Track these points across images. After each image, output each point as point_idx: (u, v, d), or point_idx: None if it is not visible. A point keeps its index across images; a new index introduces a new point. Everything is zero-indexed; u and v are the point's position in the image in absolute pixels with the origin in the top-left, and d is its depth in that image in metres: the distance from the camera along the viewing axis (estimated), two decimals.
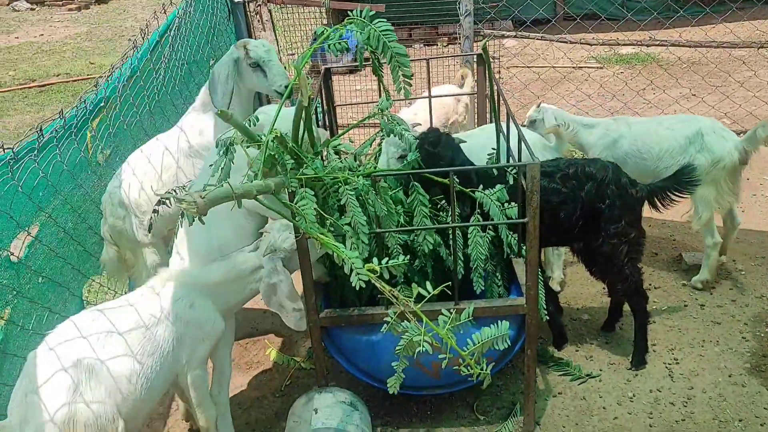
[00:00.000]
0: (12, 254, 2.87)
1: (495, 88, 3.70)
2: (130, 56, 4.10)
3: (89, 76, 11.39)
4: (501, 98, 3.67)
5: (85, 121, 3.50)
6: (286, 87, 3.44)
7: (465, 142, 3.44)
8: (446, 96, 5.78)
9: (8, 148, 2.62)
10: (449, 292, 2.91)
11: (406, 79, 2.97)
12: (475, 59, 5.16)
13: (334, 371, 3.75)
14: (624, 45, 7.11)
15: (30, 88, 11.07)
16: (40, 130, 2.90)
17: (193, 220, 2.36)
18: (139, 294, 2.94)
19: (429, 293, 2.49)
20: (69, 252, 3.43)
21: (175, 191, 2.54)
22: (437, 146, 3.23)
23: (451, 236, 3.13)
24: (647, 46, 6.82)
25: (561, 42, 6.74)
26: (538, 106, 4.74)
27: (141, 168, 3.70)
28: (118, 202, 3.63)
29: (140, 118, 4.22)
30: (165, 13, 4.88)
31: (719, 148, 4.11)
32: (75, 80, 11.23)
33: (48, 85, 11.13)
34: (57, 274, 3.26)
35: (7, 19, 16.61)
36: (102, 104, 3.73)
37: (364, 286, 2.44)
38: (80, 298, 3.50)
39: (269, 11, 6.78)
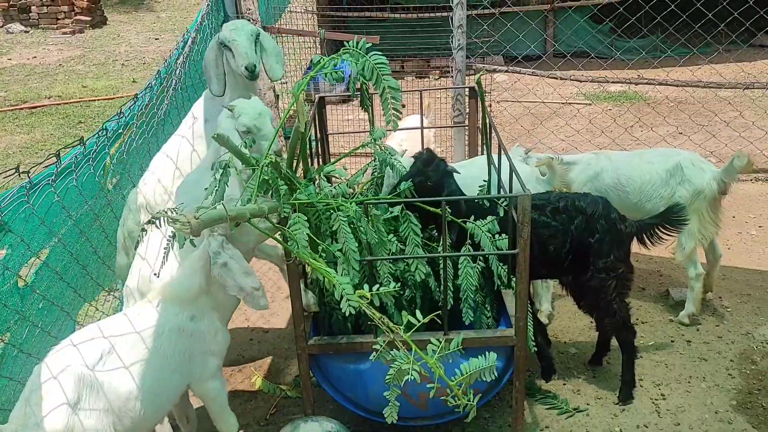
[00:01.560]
0: (21, 279, 2.86)
1: (487, 120, 3.74)
2: (153, 84, 4.12)
3: (81, 99, 11.41)
4: (493, 130, 3.71)
5: (103, 148, 3.51)
6: (247, 68, 3.42)
7: (459, 173, 3.47)
8: (433, 127, 5.83)
9: (23, 172, 2.60)
10: (439, 321, 2.92)
11: (395, 112, 3.02)
12: (467, 92, 5.23)
13: (320, 400, 3.71)
14: (613, 82, 7.26)
15: (21, 109, 11.06)
16: (58, 155, 2.89)
17: (185, 241, 2.37)
18: (138, 309, 2.92)
19: (419, 321, 2.50)
20: (72, 275, 3.42)
21: (167, 211, 2.54)
22: (428, 166, 3.26)
23: (441, 266, 3.14)
24: (635, 84, 6.97)
25: (551, 78, 6.86)
26: (527, 152, 4.74)
27: (157, 163, 3.67)
28: (137, 205, 3.59)
29: (147, 143, 4.22)
30: (158, 39, 4.94)
31: (699, 180, 4.20)
32: (66, 103, 11.23)
33: (39, 107, 11.13)
34: (59, 298, 3.25)
35: (0, 41, 16.65)
36: (121, 131, 3.73)
37: (354, 312, 2.44)
38: (74, 321, 3.48)
39: None
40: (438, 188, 3.28)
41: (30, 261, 3.00)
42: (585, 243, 3.46)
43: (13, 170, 2.48)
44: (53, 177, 2.89)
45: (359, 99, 3.21)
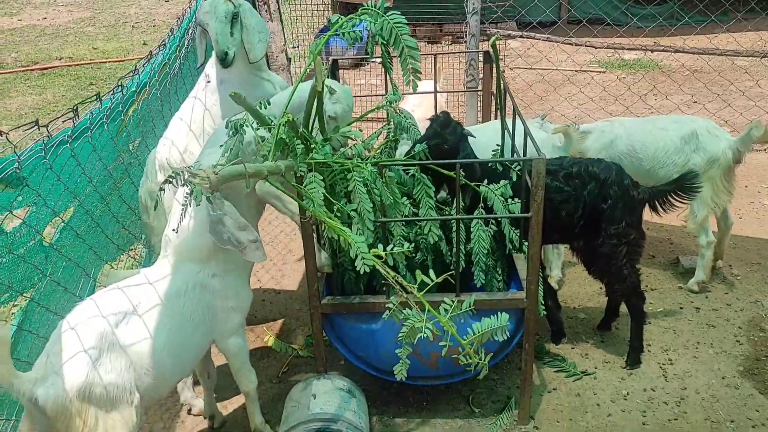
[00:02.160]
0: (42, 236, 2.90)
1: (502, 84, 3.72)
2: (166, 42, 4.10)
3: (92, 61, 11.37)
4: (507, 94, 3.69)
5: (117, 106, 3.49)
6: (218, 55, 3.33)
7: (474, 137, 3.47)
8: (448, 92, 5.80)
9: (43, 126, 2.59)
10: (452, 281, 2.95)
11: (415, 72, 3.00)
12: (481, 57, 5.20)
13: (331, 359, 3.77)
14: (628, 50, 7.16)
15: (32, 70, 11.05)
16: (76, 111, 2.88)
17: (201, 198, 2.39)
18: (160, 268, 2.93)
19: (432, 281, 2.53)
20: (93, 238, 3.45)
21: (186, 169, 2.55)
22: (446, 128, 3.26)
23: (454, 228, 3.16)
24: (651, 51, 6.88)
25: (566, 44, 6.77)
26: (543, 118, 4.74)
27: (171, 126, 3.67)
28: (158, 164, 3.58)
29: (161, 105, 4.21)
30: (168, 2, 4.89)
31: (714, 148, 4.18)
32: (77, 64, 11.21)
33: (50, 68, 11.11)
34: (80, 259, 3.29)
35: (10, 2, 16.56)
36: (137, 90, 3.72)
37: (367, 271, 2.46)
38: (95, 281, 3.53)
39: (277, 1, 6.79)
40: (454, 151, 3.29)
41: (53, 220, 3.03)
42: (597, 209, 3.47)
43: (33, 123, 2.49)
44: (70, 134, 2.90)
45: (381, 59, 3.18)
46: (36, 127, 2.48)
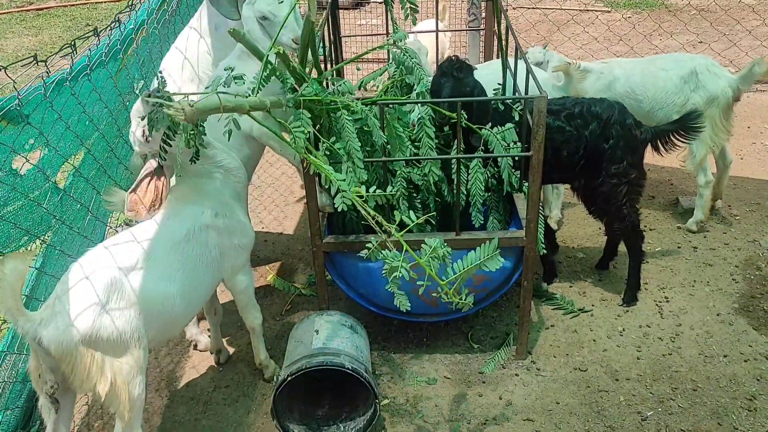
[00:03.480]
0: (56, 184, 2.91)
1: (504, 23, 3.67)
2: None
3: (87, 1, 11.15)
4: (510, 33, 3.64)
5: (115, 44, 3.44)
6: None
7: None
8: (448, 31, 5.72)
9: (41, 61, 2.55)
10: (433, 218, 2.92)
11: (413, 6, 2.96)
12: None
13: (333, 297, 3.84)
14: None
15: (27, 11, 10.85)
16: (73, 46, 2.84)
17: (189, 139, 2.40)
18: (165, 213, 2.91)
19: (412, 221, 2.52)
20: (102, 182, 3.46)
21: (162, 101, 2.54)
22: (462, 72, 3.22)
23: (455, 168, 3.17)
24: None
25: None
26: (545, 47, 4.70)
27: (168, 60, 3.63)
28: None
29: (164, 50, 4.14)
30: None
31: (714, 87, 4.15)
32: (73, 5, 11.00)
33: (46, 8, 10.91)
34: (90, 203, 3.31)
35: None
36: (135, 28, 3.65)
37: (345, 208, 2.48)
38: (106, 226, 3.56)
39: None
40: (472, 94, 3.25)
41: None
42: (599, 148, 3.47)
43: (32, 58, 2.47)
44: (70, 72, 2.88)
45: None
46: (35, 62, 2.45)
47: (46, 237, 2.92)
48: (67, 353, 2.40)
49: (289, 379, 2.92)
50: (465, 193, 3.31)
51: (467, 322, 3.74)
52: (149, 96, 2.52)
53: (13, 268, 2.21)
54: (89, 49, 3.13)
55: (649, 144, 3.62)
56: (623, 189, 3.53)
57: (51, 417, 2.57)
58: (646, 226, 4.48)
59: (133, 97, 3.79)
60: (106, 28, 3.36)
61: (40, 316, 2.41)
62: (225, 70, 2.76)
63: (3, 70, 2.29)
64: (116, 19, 3.39)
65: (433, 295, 2.57)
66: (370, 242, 2.60)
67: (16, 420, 3.03)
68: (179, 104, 2.35)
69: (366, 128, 3.04)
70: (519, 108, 3.34)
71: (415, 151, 3.29)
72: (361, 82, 3.52)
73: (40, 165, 2.81)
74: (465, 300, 2.50)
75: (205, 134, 2.74)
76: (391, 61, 3.48)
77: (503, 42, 3.72)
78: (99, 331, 2.44)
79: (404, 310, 2.58)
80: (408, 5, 2.76)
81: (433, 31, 4.93)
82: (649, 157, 3.69)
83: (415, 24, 2.87)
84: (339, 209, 2.47)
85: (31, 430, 3.11)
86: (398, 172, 3.26)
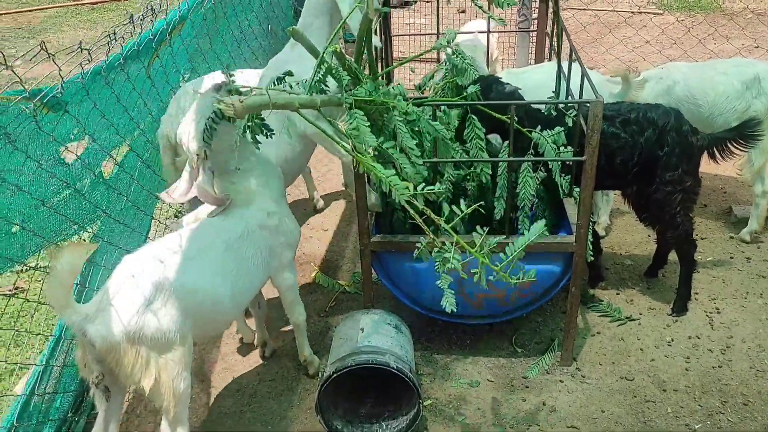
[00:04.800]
0: (94, 175, 2.99)
1: (560, 24, 3.63)
2: None
3: None
4: (565, 35, 3.61)
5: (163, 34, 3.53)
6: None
7: (519, 89, 3.40)
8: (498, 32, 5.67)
9: (86, 48, 2.64)
10: (481, 212, 2.90)
11: None
12: None
13: (377, 296, 3.85)
14: None
15: (83, 5, 11.14)
16: (114, 35, 2.92)
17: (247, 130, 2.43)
18: (219, 216, 2.94)
19: (461, 213, 2.51)
20: (145, 177, 3.54)
21: (213, 95, 2.60)
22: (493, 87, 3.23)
23: (505, 171, 3.16)
24: None
25: None
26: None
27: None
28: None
29: (212, 44, 4.21)
30: None
31: None
32: None
33: (100, 3, 11.19)
34: (136, 196, 3.39)
35: None
36: (178, 19, 3.74)
37: (403, 204, 2.47)
38: (151, 218, 3.63)
39: None
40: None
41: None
42: (654, 155, 3.41)
43: (77, 47, 2.54)
44: (107, 64, 2.95)
45: None
46: (80, 50, 2.53)
47: (93, 228, 2.99)
48: (111, 349, 2.44)
49: (334, 375, 2.94)
50: (511, 197, 3.28)
51: (511, 325, 3.72)
52: (218, 90, 2.58)
53: (68, 261, 2.26)
54: (122, 38, 3.19)
55: (706, 151, 3.54)
56: (678, 197, 3.46)
57: (102, 404, 2.62)
58: (698, 235, 4.38)
59: (169, 90, 3.83)
60: (139, 14, 3.42)
61: (87, 310, 2.44)
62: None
63: (51, 59, 2.37)
64: (150, 8, 3.45)
65: (490, 279, 2.52)
66: (419, 242, 2.60)
67: (68, 404, 3.13)
68: (229, 99, 2.39)
69: (415, 129, 3.04)
70: (573, 114, 3.30)
71: (462, 153, 3.28)
72: (419, 86, 3.52)
73: (84, 156, 2.88)
74: (523, 279, 2.48)
75: (264, 129, 2.76)
76: (443, 62, 3.48)
77: (558, 44, 3.68)
78: (143, 328, 2.47)
79: (450, 311, 2.56)
80: None
81: (483, 32, 4.91)
82: (703, 164, 3.60)
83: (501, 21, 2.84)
84: (398, 202, 2.46)
85: (83, 415, 3.21)
86: (446, 175, 3.25)
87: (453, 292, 2.58)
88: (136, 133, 3.44)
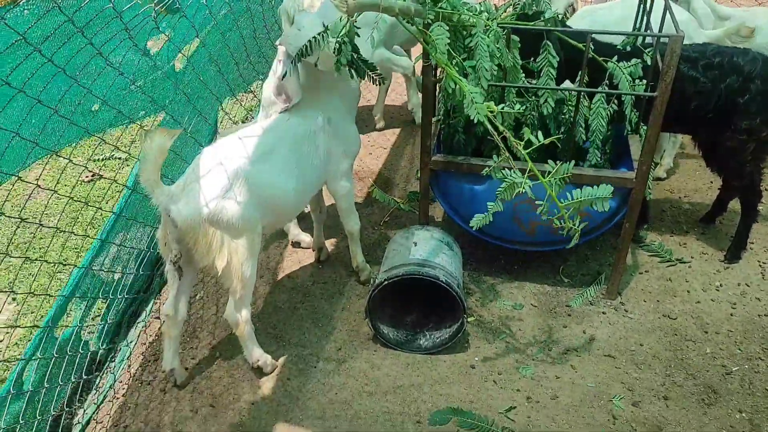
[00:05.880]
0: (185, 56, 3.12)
1: None
2: None
3: None
4: None
5: None
6: None
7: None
8: None
9: None
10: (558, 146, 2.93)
11: None
12: None
13: (431, 218, 3.95)
14: None
15: None
16: None
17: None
18: (286, 115, 3.09)
19: (539, 141, 2.55)
20: (222, 66, 3.67)
21: None
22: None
23: (575, 101, 3.15)
24: None
25: None
26: None
27: None
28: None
29: None
30: None
31: None
32: None
33: None
34: (210, 84, 3.54)
35: None
36: None
37: (481, 120, 2.51)
38: (221, 107, 3.79)
39: None
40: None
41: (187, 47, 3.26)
42: (733, 102, 3.30)
43: None
44: None
45: None
46: None
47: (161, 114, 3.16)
48: (191, 228, 2.68)
49: (385, 282, 3.09)
50: (584, 128, 3.28)
51: (559, 256, 3.78)
52: None
53: (159, 143, 2.45)
54: None
55: None
56: (751, 146, 3.38)
57: (174, 283, 2.88)
58: (764, 187, 4.30)
59: None
60: None
61: (173, 191, 2.68)
62: None
63: None
64: None
65: (547, 219, 2.59)
66: (484, 164, 2.67)
67: (140, 285, 3.39)
68: None
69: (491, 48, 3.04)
70: (650, 51, 3.23)
71: (529, 80, 3.28)
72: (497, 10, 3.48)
73: (165, 48, 3.02)
74: (578, 227, 2.55)
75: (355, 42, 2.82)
76: None
77: None
78: (221, 212, 2.69)
79: (474, 229, 2.65)
80: None
81: None
82: None
83: None
84: (475, 120, 2.52)
85: (154, 295, 3.47)
86: (509, 101, 3.26)
87: (492, 218, 2.66)
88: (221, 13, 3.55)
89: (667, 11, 3.04)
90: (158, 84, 3.06)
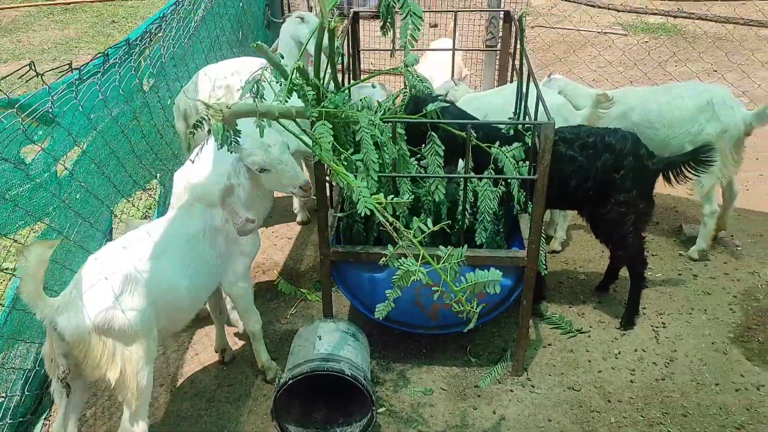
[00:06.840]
0: (62, 165, 3.03)
1: (523, 48, 3.77)
2: None
3: None
4: (524, 58, 3.74)
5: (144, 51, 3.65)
6: None
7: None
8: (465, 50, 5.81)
9: (76, 68, 2.73)
10: (447, 230, 3.01)
11: (412, 39, 3.02)
12: (502, 15, 5.21)
13: (337, 305, 3.95)
14: (651, 14, 7.10)
15: (56, 5, 11.07)
16: (107, 55, 3.01)
17: (223, 139, 2.53)
18: (179, 213, 3.09)
19: (429, 228, 2.62)
20: (110, 170, 3.61)
21: (202, 102, 2.71)
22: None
23: (462, 187, 3.27)
24: (674, 17, 6.81)
25: (589, 6, 6.73)
26: (549, 77, 4.79)
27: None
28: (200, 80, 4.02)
29: (184, 48, 4.34)
30: None
31: (728, 119, 4.23)
32: (100, 0, 11.21)
33: (73, 3, 11.13)
34: (98, 189, 3.44)
35: None
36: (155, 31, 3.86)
37: (368, 213, 2.56)
38: (112, 213, 3.68)
39: None
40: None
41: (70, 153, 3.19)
42: (609, 178, 3.52)
43: (68, 66, 2.60)
44: (100, 73, 3.03)
45: (381, 24, 3.18)
46: (69, 70, 2.59)
47: (45, 220, 3.06)
48: (80, 340, 2.55)
49: (289, 382, 3.02)
50: (470, 211, 3.40)
51: (466, 336, 3.83)
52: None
53: (37, 255, 2.35)
54: (120, 58, 3.28)
55: (661, 174, 3.67)
56: (630, 218, 3.60)
57: (62, 401, 2.70)
58: (648, 252, 4.54)
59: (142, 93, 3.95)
60: (135, 38, 3.50)
61: (58, 302, 2.56)
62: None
63: (39, 77, 2.42)
64: (147, 29, 3.54)
65: (446, 302, 2.62)
66: (382, 252, 2.69)
67: (26, 406, 3.15)
68: (218, 106, 2.48)
69: (379, 142, 3.14)
70: (530, 133, 3.42)
71: (422, 172, 3.39)
72: (380, 105, 3.62)
73: (47, 151, 2.96)
74: (476, 309, 2.59)
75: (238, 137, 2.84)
76: (405, 86, 3.59)
77: (521, 65, 3.81)
78: (111, 321, 2.58)
79: (378, 318, 2.65)
80: (408, 36, 2.80)
81: (449, 50, 5.05)
82: (657, 184, 3.74)
83: (408, 56, 2.95)
84: (362, 214, 2.56)
85: (42, 416, 3.23)
86: (402, 190, 3.35)
87: (394, 305, 2.67)
88: (107, 121, 3.52)
89: (539, 100, 3.24)
90: (34, 193, 2.96)
